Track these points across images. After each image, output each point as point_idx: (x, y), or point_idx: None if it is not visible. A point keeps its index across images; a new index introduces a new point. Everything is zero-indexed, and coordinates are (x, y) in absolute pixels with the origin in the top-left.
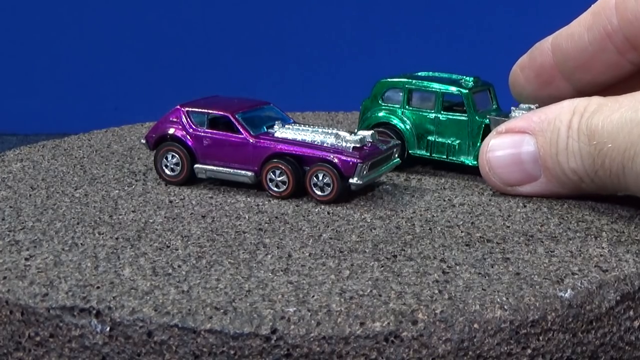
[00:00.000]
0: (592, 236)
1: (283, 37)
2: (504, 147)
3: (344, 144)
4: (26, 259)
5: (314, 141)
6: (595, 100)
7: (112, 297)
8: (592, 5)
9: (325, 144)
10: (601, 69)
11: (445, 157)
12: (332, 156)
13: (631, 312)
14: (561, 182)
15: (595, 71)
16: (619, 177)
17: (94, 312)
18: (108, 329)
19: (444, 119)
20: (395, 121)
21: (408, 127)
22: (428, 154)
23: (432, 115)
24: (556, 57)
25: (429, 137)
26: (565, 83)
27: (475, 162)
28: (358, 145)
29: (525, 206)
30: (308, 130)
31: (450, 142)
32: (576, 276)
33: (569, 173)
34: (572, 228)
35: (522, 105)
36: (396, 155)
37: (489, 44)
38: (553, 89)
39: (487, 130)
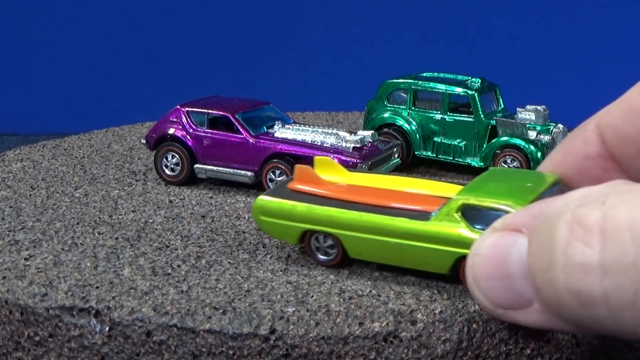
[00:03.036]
0: None
1: (283, 37)
2: (491, 250)
3: (344, 144)
4: (26, 259)
5: (314, 141)
6: (625, 186)
7: (111, 297)
8: None
9: (325, 144)
10: None
11: (451, 158)
12: (332, 156)
13: None
14: (558, 313)
15: None
16: None
17: (93, 312)
18: (107, 328)
19: (450, 120)
20: (400, 122)
21: (414, 128)
22: (434, 155)
23: (438, 117)
24: (609, 142)
25: (435, 138)
26: (622, 176)
27: (482, 164)
28: (358, 146)
29: None
30: (308, 130)
31: (456, 143)
32: None
33: (570, 299)
34: None
35: (528, 107)
36: (396, 156)
37: (494, 44)
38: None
39: (493, 131)
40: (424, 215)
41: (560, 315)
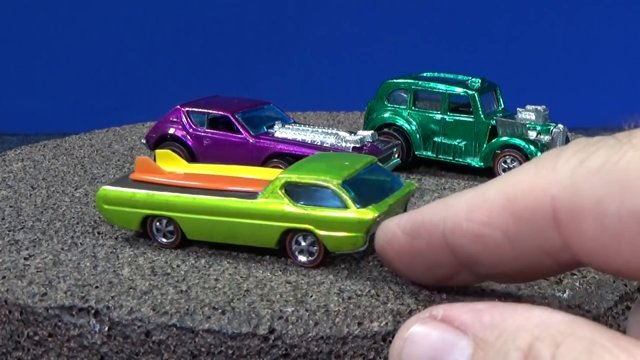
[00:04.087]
0: None
1: (283, 37)
2: (428, 340)
3: (343, 144)
4: (25, 259)
5: (314, 141)
6: (584, 332)
7: (110, 297)
8: (501, 191)
9: (325, 144)
10: (520, 269)
11: (451, 158)
12: None
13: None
14: None
15: (511, 271)
16: None
17: (93, 311)
18: (106, 328)
19: (450, 120)
20: (400, 122)
21: (414, 128)
22: (434, 155)
23: (438, 117)
24: (458, 257)
25: (435, 138)
26: (468, 276)
27: (482, 164)
28: (358, 146)
29: None
30: (308, 130)
31: (456, 143)
32: (575, 276)
33: None
34: None
35: (528, 107)
36: (396, 156)
37: (494, 44)
38: (451, 281)
39: (493, 131)
40: (252, 195)
41: None
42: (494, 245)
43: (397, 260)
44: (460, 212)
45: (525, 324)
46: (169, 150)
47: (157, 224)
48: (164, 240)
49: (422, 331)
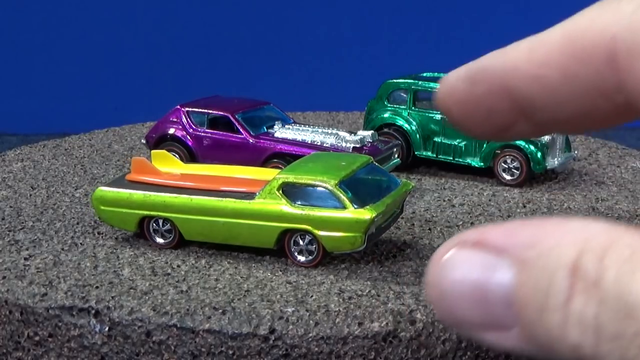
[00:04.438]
0: None
1: (283, 37)
2: (467, 268)
3: (343, 144)
4: (25, 259)
5: (314, 141)
6: (625, 240)
7: (111, 297)
8: (562, 32)
9: (325, 144)
10: (577, 114)
11: (451, 158)
12: None
13: None
14: (544, 350)
15: (569, 116)
16: None
17: (93, 312)
18: (107, 328)
19: None
20: (400, 122)
21: (414, 128)
22: (434, 156)
23: (438, 117)
24: (517, 101)
25: (435, 139)
26: (526, 125)
27: (482, 164)
28: (358, 146)
29: (524, 206)
30: (308, 130)
31: (456, 143)
32: None
33: (564, 347)
34: None
35: None
36: (396, 156)
37: (494, 44)
38: (509, 132)
39: None
40: (249, 196)
41: (545, 350)
42: (552, 87)
43: (456, 110)
44: (521, 54)
45: (564, 239)
46: (165, 151)
47: (154, 224)
48: (161, 240)
49: (458, 257)
